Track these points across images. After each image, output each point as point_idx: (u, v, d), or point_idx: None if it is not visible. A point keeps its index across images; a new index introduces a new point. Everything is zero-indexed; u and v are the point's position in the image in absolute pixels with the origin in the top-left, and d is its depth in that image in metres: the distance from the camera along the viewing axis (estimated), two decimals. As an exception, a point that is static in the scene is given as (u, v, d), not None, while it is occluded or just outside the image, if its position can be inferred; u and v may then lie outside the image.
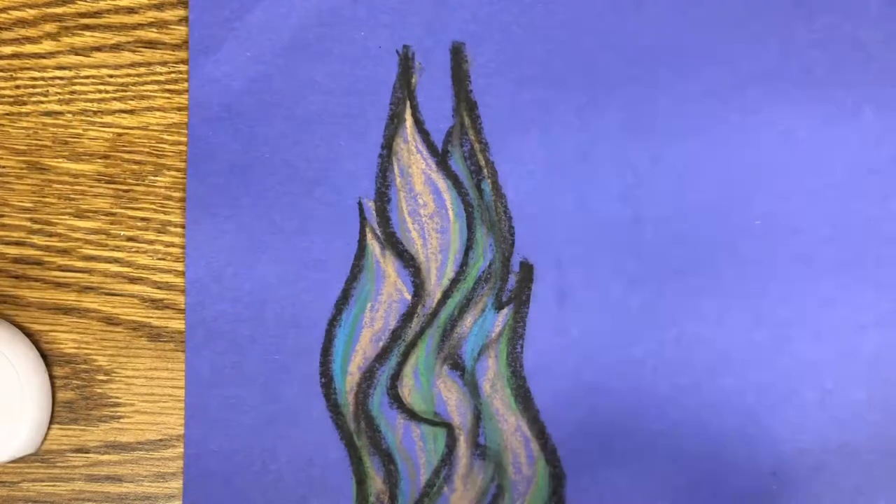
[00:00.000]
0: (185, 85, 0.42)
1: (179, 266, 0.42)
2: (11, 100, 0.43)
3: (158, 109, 0.43)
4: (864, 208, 0.41)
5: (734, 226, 0.41)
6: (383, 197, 0.42)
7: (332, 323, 0.42)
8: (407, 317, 0.42)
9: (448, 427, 0.42)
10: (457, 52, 0.41)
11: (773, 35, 0.41)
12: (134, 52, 0.42)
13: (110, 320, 0.43)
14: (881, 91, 0.41)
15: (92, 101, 0.43)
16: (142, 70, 0.43)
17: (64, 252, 0.43)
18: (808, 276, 0.41)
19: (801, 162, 0.41)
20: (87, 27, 0.42)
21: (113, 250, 0.43)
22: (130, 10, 0.42)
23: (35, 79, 0.43)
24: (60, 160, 0.43)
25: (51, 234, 0.43)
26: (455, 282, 0.41)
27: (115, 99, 0.43)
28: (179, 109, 0.42)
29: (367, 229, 0.42)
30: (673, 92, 0.41)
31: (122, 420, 0.43)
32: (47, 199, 0.43)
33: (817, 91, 0.41)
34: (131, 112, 0.43)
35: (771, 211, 0.41)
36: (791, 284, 0.41)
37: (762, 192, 0.41)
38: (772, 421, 0.41)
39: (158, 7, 0.42)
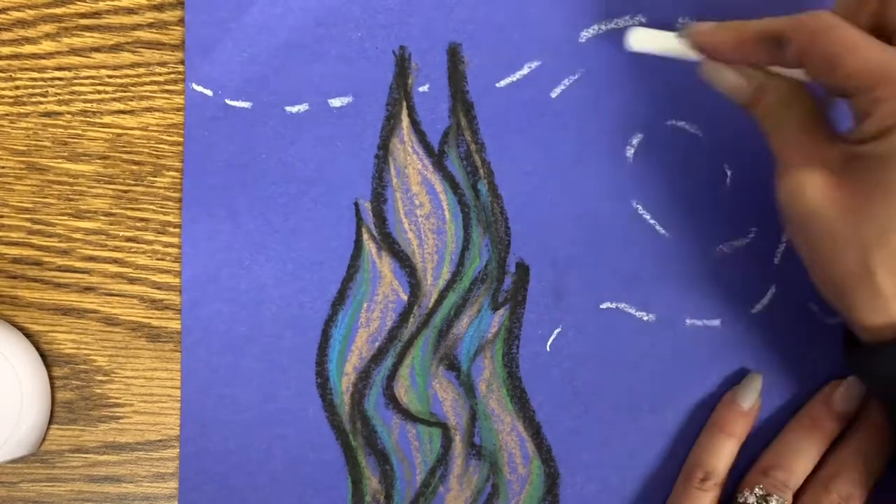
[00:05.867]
0: (184, 85, 0.42)
1: (178, 267, 0.43)
2: (11, 100, 0.43)
3: (158, 110, 0.43)
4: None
5: (732, 226, 0.41)
6: (380, 197, 0.42)
7: (329, 323, 0.42)
8: (403, 317, 0.42)
9: (444, 427, 0.42)
10: (453, 53, 0.41)
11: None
12: (133, 52, 0.43)
13: (109, 321, 0.43)
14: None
15: (91, 101, 0.43)
16: (141, 71, 0.43)
17: (63, 252, 0.43)
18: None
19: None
20: (87, 28, 0.43)
21: (112, 251, 0.43)
22: (129, 11, 0.43)
23: (34, 79, 0.43)
24: (60, 161, 0.43)
25: (50, 235, 0.43)
26: (451, 282, 0.41)
27: (114, 99, 0.43)
28: (178, 110, 0.42)
29: (364, 230, 0.42)
30: (671, 92, 0.41)
31: (121, 420, 0.43)
32: (46, 200, 0.43)
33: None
34: (130, 113, 0.43)
35: (769, 212, 0.41)
36: (788, 285, 0.41)
37: (761, 194, 0.41)
38: (768, 422, 0.40)
39: (158, 8, 0.43)
